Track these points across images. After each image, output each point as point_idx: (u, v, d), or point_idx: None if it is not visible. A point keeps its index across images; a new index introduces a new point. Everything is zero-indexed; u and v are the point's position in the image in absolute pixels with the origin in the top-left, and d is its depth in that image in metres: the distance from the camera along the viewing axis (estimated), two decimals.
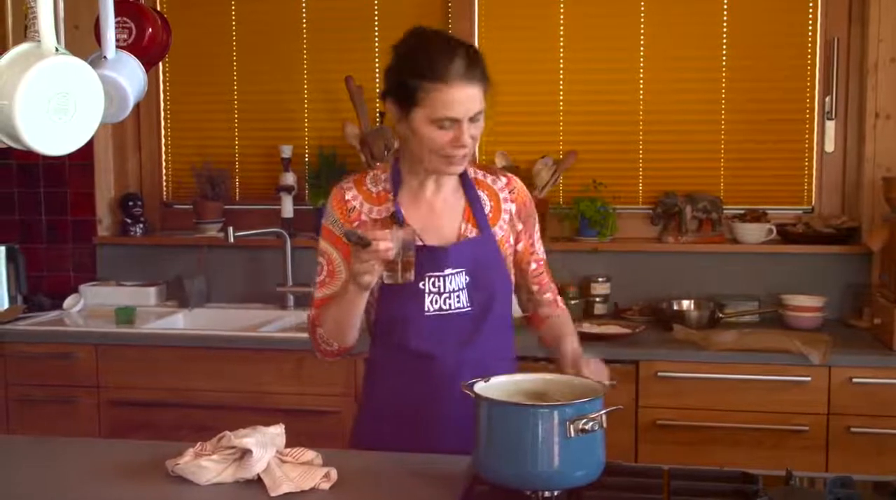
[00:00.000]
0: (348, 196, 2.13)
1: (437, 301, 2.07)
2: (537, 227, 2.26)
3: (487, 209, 2.16)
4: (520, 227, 2.20)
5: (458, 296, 2.08)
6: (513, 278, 2.20)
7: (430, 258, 2.06)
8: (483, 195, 2.17)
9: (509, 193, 2.19)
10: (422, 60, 1.98)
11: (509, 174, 2.24)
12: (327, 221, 2.14)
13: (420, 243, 2.04)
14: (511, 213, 2.18)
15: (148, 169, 4.21)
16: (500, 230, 2.16)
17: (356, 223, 2.10)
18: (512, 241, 2.18)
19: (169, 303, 3.97)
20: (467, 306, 2.09)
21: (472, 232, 2.13)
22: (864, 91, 3.56)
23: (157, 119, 4.18)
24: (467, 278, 2.08)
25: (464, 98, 1.97)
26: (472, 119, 2.00)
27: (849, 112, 3.65)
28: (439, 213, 2.13)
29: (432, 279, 2.07)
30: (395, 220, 2.08)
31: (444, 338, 2.07)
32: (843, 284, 3.58)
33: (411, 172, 2.13)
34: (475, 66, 2.00)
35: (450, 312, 2.08)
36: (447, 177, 2.13)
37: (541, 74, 3.85)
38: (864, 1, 3.56)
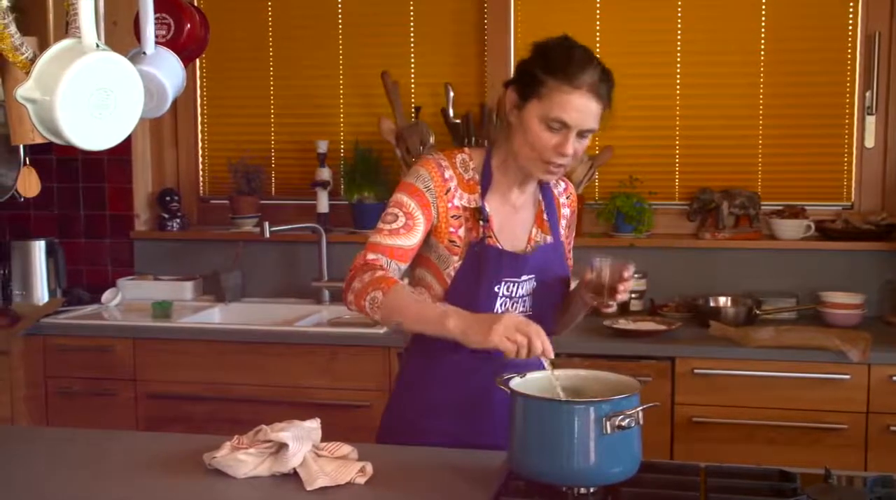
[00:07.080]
0: (447, 175, 2.06)
1: (505, 304, 2.07)
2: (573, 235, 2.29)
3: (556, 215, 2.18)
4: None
5: (524, 301, 2.09)
6: None
7: (510, 264, 2.06)
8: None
9: (566, 198, 2.22)
10: (558, 59, 1.97)
11: (566, 179, 2.24)
12: (418, 183, 2.05)
13: (500, 248, 2.06)
14: (567, 218, 2.21)
15: (185, 164, 4.23)
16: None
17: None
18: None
19: (205, 297, 4.00)
20: (529, 311, 2.09)
21: (541, 237, 2.14)
22: None
23: (195, 114, 4.20)
24: (534, 284, 2.09)
25: (583, 107, 1.95)
26: (582, 134, 1.98)
27: (889, 107, 3.60)
28: (517, 217, 2.13)
29: (507, 284, 2.07)
30: (480, 216, 2.06)
31: None
32: (882, 281, 3.54)
33: (502, 169, 2.10)
34: (605, 83, 1.98)
35: None
36: (532, 181, 2.12)
37: None
38: None
